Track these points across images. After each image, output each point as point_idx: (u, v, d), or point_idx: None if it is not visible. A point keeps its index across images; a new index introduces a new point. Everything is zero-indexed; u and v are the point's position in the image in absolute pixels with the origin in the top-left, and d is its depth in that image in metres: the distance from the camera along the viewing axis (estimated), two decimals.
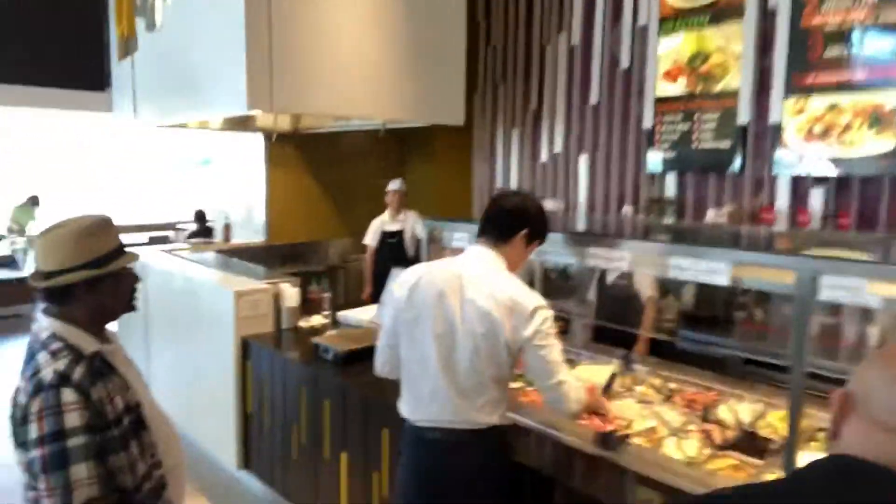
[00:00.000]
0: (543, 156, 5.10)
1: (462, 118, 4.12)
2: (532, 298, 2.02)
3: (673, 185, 4.35)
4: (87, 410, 1.45)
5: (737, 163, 4.02)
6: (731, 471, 2.04)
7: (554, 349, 2.00)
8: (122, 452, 1.53)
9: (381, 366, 2.24)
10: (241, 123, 5.00)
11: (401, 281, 2.17)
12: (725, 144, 4.07)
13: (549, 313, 2.02)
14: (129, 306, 1.73)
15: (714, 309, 4.02)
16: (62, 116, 9.46)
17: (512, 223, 2.12)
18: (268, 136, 5.31)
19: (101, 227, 1.62)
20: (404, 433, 2.16)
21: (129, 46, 4.95)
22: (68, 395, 1.44)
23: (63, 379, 1.46)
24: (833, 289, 1.67)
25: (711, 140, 4.15)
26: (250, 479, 3.66)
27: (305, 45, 3.55)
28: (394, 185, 5.34)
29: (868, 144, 3.49)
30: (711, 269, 1.97)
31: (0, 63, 6.33)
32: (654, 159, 4.40)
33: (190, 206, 8.45)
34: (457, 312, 2.05)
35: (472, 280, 2.07)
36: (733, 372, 3.39)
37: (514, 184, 5.31)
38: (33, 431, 1.42)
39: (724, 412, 2.38)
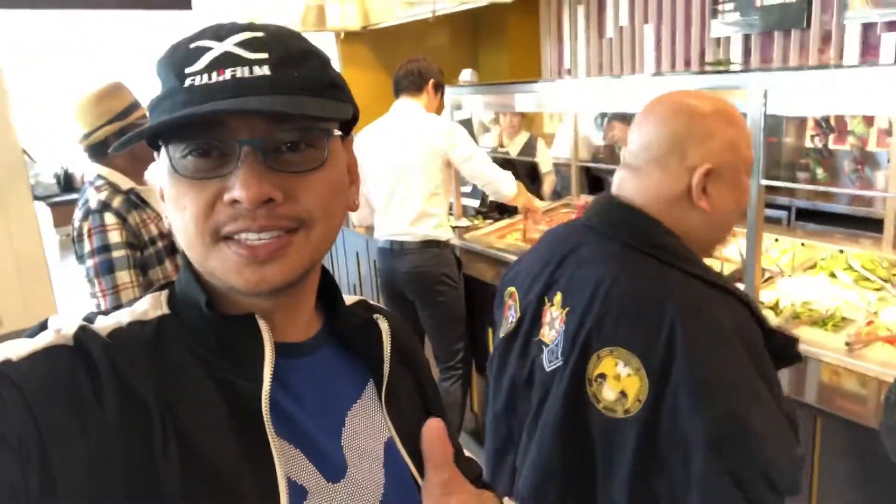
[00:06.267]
0: (609, 31, 5.01)
1: None
2: (447, 123, 2.94)
3: (739, 48, 4.19)
4: (126, 230, 1.87)
5: (803, 17, 3.80)
6: None
7: (477, 154, 2.87)
8: (158, 267, 1.95)
9: (359, 219, 3.27)
10: (313, 24, 5.27)
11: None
12: None
13: (462, 131, 2.88)
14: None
15: None
16: None
17: (422, 78, 2.91)
18: (337, 35, 5.56)
19: (114, 88, 1.99)
20: (377, 251, 3.01)
21: None
22: (109, 217, 1.86)
23: (104, 206, 1.88)
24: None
25: None
26: None
27: None
28: (464, 75, 5.46)
29: None
30: None
31: None
32: (719, 22, 4.24)
33: None
34: (398, 151, 2.83)
35: (405, 123, 2.86)
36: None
37: (581, 63, 5.27)
38: (86, 246, 1.86)
39: (731, 248, 2.48)
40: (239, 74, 0.55)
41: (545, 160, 4.22)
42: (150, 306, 0.61)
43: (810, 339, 1.85)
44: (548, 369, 1.11)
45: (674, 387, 0.95)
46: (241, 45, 0.56)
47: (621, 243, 1.07)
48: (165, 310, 0.61)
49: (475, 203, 3.72)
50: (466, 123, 4.98)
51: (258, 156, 0.54)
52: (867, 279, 2.18)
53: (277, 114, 0.55)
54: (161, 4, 7.03)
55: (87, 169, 2.03)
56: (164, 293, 0.64)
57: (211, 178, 0.55)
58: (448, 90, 3.24)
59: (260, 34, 0.57)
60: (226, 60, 0.55)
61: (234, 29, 0.57)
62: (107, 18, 7.45)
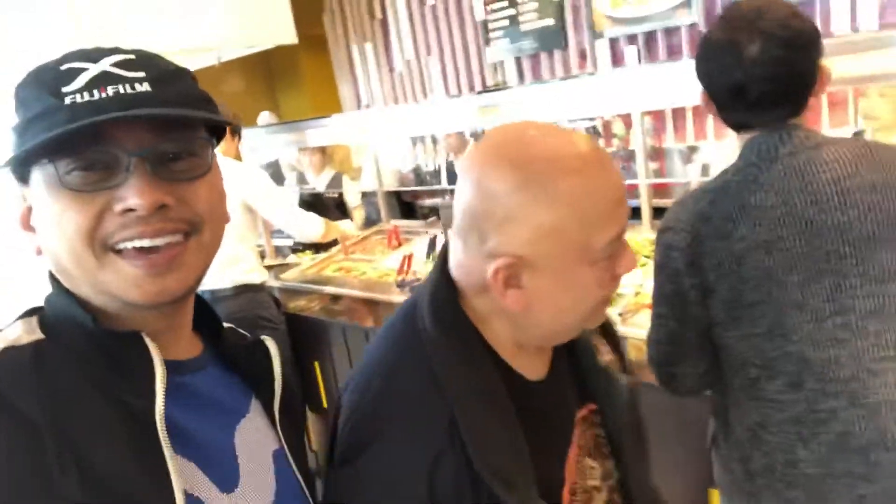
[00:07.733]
0: (398, 65, 5.28)
1: (294, 37, 4.24)
2: (246, 168, 2.97)
3: (513, 70, 4.62)
4: None
5: (560, 39, 4.30)
6: None
7: (279, 198, 2.91)
8: None
9: None
10: None
11: None
12: (549, 23, 4.34)
13: (261, 175, 2.93)
14: None
15: None
16: None
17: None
18: None
19: None
20: None
21: None
22: None
23: None
24: None
25: (536, 20, 4.40)
26: None
27: None
28: (262, 118, 5.44)
29: None
30: None
31: None
32: (492, 48, 4.65)
33: None
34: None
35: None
36: None
37: (377, 97, 5.50)
38: None
39: None
40: (122, 91, 0.57)
41: (353, 195, 4.33)
42: (23, 331, 0.60)
43: None
44: None
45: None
46: (118, 65, 0.58)
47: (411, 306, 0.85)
48: (39, 334, 0.60)
49: (289, 241, 3.74)
50: (273, 165, 5.00)
51: (146, 165, 0.57)
52: None
53: (163, 126, 0.58)
54: None
55: None
56: (35, 318, 0.62)
57: (100, 189, 0.56)
58: (246, 133, 3.24)
59: (131, 56, 0.60)
60: (105, 79, 0.57)
61: (105, 52, 0.60)
62: None
